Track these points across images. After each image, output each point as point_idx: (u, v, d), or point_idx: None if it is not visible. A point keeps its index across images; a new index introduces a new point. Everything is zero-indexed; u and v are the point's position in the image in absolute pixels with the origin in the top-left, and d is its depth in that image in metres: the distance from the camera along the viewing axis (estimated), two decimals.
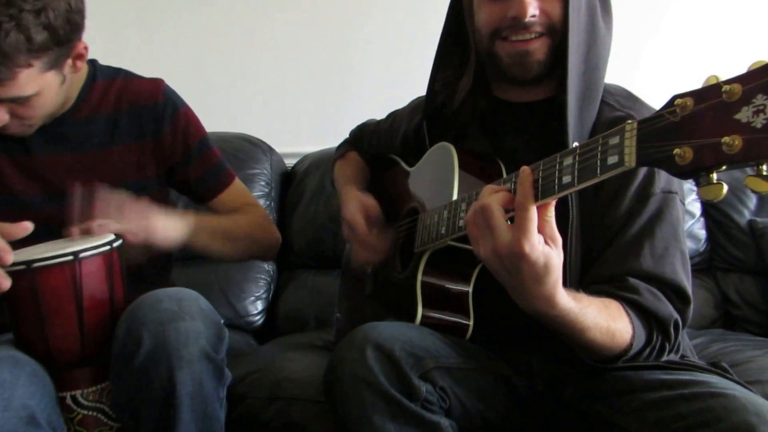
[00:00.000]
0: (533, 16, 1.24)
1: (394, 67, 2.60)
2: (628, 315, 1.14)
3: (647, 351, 1.16)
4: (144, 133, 1.51)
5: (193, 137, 1.57)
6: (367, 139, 1.73)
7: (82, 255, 1.21)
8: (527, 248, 0.96)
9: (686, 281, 1.20)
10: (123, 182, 1.47)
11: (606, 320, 1.10)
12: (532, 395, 1.28)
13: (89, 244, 1.23)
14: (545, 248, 0.98)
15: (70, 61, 1.36)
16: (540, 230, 0.98)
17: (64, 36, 1.29)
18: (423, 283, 1.28)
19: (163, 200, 1.57)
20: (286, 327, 2.27)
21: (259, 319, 2.30)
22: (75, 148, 1.47)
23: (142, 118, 1.51)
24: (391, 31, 2.62)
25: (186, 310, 1.21)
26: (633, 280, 1.17)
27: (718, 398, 1.05)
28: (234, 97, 2.60)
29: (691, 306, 1.20)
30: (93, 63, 1.51)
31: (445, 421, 1.14)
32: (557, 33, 1.25)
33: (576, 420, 1.24)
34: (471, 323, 1.27)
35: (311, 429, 1.41)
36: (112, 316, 1.24)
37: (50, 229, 1.31)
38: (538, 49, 1.27)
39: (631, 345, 1.12)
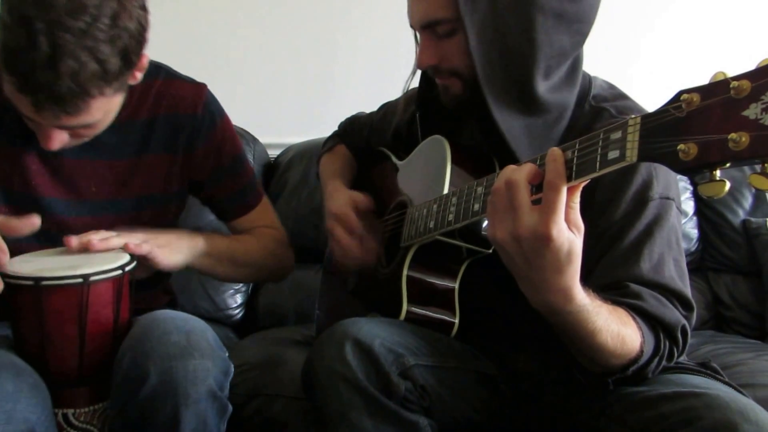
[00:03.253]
0: (429, 65, 1.25)
1: (379, 58, 2.59)
2: (636, 321, 1.09)
3: (656, 360, 1.12)
4: (177, 146, 1.45)
5: (226, 156, 1.51)
6: (357, 131, 1.70)
7: (92, 279, 1.17)
8: (554, 232, 0.90)
9: (685, 288, 1.17)
10: (148, 193, 1.45)
11: (616, 324, 1.04)
12: (517, 396, 1.26)
13: (101, 267, 1.18)
14: (570, 234, 0.93)
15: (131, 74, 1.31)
16: (565, 216, 0.92)
17: (134, 58, 1.24)
18: (408, 278, 1.26)
19: (179, 213, 1.55)
20: (265, 320, 2.26)
21: (238, 313, 2.29)
22: (107, 156, 1.41)
23: (178, 127, 1.45)
24: (377, 21, 2.60)
25: (195, 346, 1.17)
26: (635, 286, 1.13)
27: (700, 397, 1.03)
28: (217, 86, 2.50)
29: (695, 312, 1.17)
30: None
31: (423, 421, 1.12)
32: (463, 75, 1.23)
33: (558, 423, 1.23)
34: (456, 321, 1.26)
35: (292, 425, 1.41)
36: (114, 339, 1.22)
37: (66, 233, 1.27)
38: (452, 85, 1.26)
39: (641, 352, 1.07)
